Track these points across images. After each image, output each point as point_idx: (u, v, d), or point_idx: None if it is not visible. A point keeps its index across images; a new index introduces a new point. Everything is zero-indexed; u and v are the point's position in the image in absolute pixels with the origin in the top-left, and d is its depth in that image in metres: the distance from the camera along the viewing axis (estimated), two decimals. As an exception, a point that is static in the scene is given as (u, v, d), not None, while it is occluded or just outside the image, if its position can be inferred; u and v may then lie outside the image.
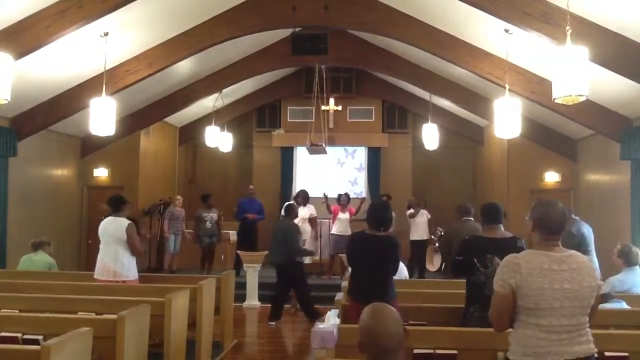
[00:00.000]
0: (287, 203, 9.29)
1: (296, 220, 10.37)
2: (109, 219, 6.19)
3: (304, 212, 10.55)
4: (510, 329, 2.81)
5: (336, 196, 10.92)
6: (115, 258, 6.00)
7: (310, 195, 11.00)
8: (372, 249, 4.74)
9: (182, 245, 10.90)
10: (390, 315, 2.34)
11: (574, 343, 2.66)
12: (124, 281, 5.99)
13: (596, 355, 2.75)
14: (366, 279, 4.70)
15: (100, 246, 6.11)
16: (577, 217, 7.19)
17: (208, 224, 10.65)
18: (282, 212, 10.33)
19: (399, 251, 4.85)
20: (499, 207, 4.61)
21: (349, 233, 10.45)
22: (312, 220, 10.65)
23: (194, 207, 12.33)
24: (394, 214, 5.25)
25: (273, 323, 8.09)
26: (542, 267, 2.67)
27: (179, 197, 11.17)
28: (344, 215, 10.57)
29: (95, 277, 6.11)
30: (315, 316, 7.55)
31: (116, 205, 6.24)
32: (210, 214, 10.71)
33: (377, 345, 2.28)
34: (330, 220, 10.86)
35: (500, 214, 4.55)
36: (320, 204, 11.10)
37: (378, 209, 4.98)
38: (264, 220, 11.38)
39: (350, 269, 5.20)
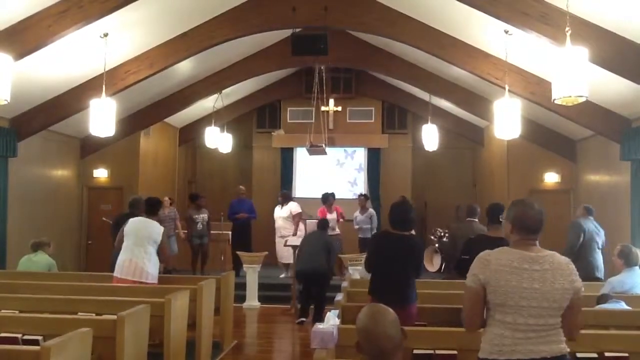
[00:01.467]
0: (322, 218, 9.33)
1: (277, 221, 10.49)
2: (141, 219, 6.17)
3: (284, 211, 10.54)
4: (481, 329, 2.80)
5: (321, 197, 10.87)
6: (148, 259, 5.98)
7: (310, 195, 10.99)
8: (398, 249, 4.70)
9: (178, 246, 10.84)
10: (388, 317, 2.33)
11: (541, 342, 2.63)
12: (150, 283, 5.97)
13: (568, 355, 2.72)
14: (390, 278, 4.66)
15: (127, 245, 6.02)
16: (590, 217, 7.30)
17: (199, 225, 10.58)
18: (279, 215, 10.57)
19: (423, 252, 4.83)
20: (503, 207, 4.63)
21: (337, 232, 10.52)
22: (294, 217, 10.55)
23: (193, 208, 12.33)
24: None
25: (304, 319, 8.17)
26: (512, 265, 2.67)
27: (166, 198, 10.98)
28: (330, 216, 10.55)
29: (117, 275, 6.00)
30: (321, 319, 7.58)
31: (153, 208, 6.28)
32: (201, 215, 10.65)
33: (375, 347, 2.28)
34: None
35: (500, 215, 4.57)
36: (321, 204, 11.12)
37: (402, 209, 4.92)
38: (257, 220, 11.39)
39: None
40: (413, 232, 5.02)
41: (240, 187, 11.74)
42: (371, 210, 10.91)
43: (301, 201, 11.55)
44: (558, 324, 2.69)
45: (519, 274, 2.64)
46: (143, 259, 5.95)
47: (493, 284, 2.65)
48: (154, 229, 6.07)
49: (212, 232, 10.94)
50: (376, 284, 4.78)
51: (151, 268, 5.99)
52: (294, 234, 10.36)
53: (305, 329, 7.69)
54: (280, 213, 10.63)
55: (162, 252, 6.10)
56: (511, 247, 2.78)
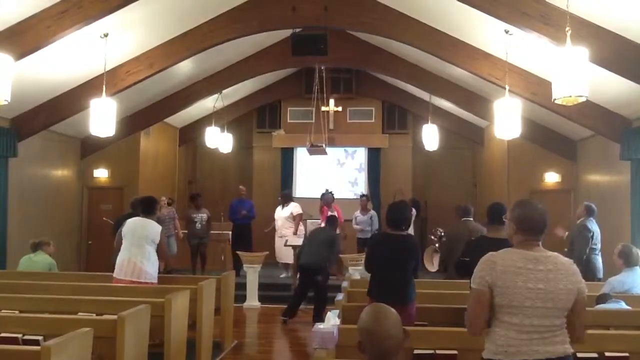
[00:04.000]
0: (330, 214, 9.38)
1: (277, 221, 10.47)
2: (138, 219, 6.15)
3: (285, 211, 10.52)
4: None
5: (320, 196, 10.91)
6: (148, 259, 5.96)
7: (311, 195, 10.98)
8: (395, 248, 4.74)
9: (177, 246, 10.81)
10: (391, 317, 2.32)
11: (546, 343, 2.63)
12: (149, 282, 5.96)
13: (573, 355, 2.72)
14: (389, 278, 4.69)
15: (125, 245, 6.01)
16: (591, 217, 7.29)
17: (198, 225, 10.57)
18: (281, 214, 10.47)
19: (419, 250, 4.87)
20: (503, 208, 4.62)
21: (337, 231, 10.51)
22: (295, 217, 10.52)
23: (193, 208, 12.33)
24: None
25: (287, 318, 8.19)
26: (516, 265, 2.67)
27: (162, 198, 10.93)
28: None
29: (116, 276, 5.99)
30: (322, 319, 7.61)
31: (149, 207, 6.24)
32: (200, 215, 10.64)
33: (377, 347, 2.28)
34: (320, 221, 10.83)
35: (503, 216, 4.56)
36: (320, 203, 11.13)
37: (399, 208, 4.98)
38: (257, 220, 11.39)
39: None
40: (412, 231, 5.05)
41: (241, 187, 11.74)
42: (372, 212, 10.91)
43: (301, 201, 11.55)
44: (563, 325, 2.70)
45: (525, 274, 2.65)
46: (141, 259, 5.94)
47: (500, 285, 2.66)
48: (152, 229, 6.05)
49: (212, 232, 10.93)
50: (374, 285, 4.81)
51: (149, 268, 5.98)
52: (295, 234, 10.36)
53: (305, 329, 7.68)
54: (281, 213, 10.61)
55: (161, 251, 6.09)
56: (514, 248, 2.79)
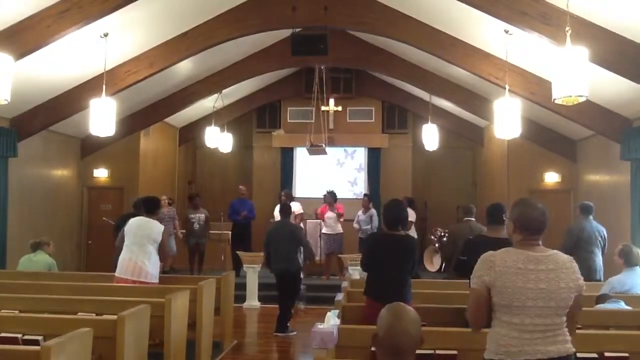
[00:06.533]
0: (284, 202, 9.07)
1: (276, 218, 10.36)
2: (141, 218, 6.16)
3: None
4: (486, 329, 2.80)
5: (322, 196, 10.94)
6: (148, 258, 5.96)
7: (311, 195, 10.97)
8: (393, 248, 4.71)
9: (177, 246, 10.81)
10: (411, 316, 2.34)
11: (548, 343, 2.63)
12: (151, 282, 5.95)
13: (574, 355, 2.72)
14: (386, 278, 4.67)
15: (127, 244, 6.00)
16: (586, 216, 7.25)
17: (196, 225, 10.58)
18: (277, 214, 10.09)
19: (416, 251, 4.85)
20: (503, 208, 4.64)
21: (339, 231, 10.53)
22: (296, 217, 10.39)
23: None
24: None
25: (283, 335, 7.65)
26: (517, 266, 2.66)
27: (164, 197, 10.96)
28: (331, 214, 10.57)
29: (117, 275, 5.98)
30: (286, 328, 7.61)
31: (152, 207, 6.25)
32: (198, 215, 10.66)
33: (393, 344, 2.29)
34: (321, 221, 10.87)
35: (504, 215, 4.57)
36: (320, 204, 11.15)
37: (395, 208, 4.91)
38: (257, 220, 11.39)
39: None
40: (415, 232, 5.03)
41: (241, 187, 11.74)
42: (373, 210, 10.91)
43: (301, 201, 11.58)
44: (563, 323, 2.69)
45: (525, 274, 2.63)
46: (142, 259, 5.94)
47: (499, 286, 2.65)
48: (153, 228, 6.05)
49: (211, 232, 10.93)
50: (372, 285, 4.79)
51: (151, 267, 5.98)
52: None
53: (305, 329, 7.68)
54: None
55: (162, 251, 6.08)
56: (515, 247, 2.77)
